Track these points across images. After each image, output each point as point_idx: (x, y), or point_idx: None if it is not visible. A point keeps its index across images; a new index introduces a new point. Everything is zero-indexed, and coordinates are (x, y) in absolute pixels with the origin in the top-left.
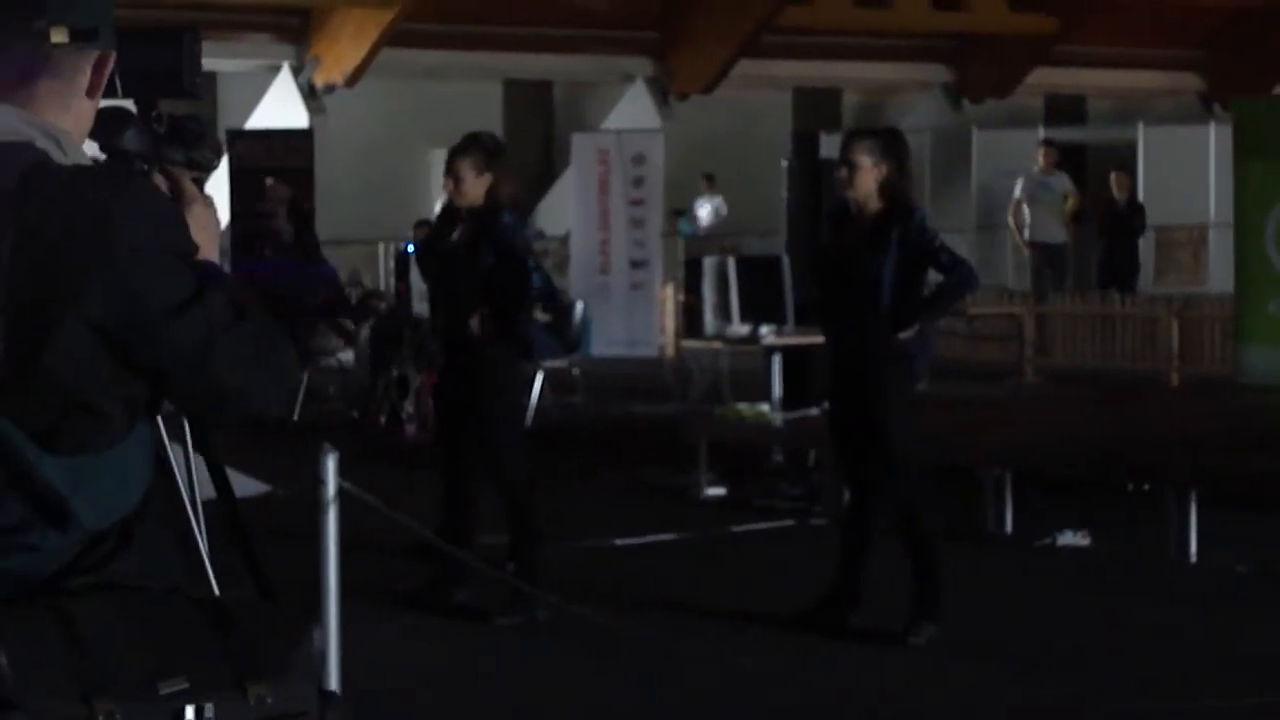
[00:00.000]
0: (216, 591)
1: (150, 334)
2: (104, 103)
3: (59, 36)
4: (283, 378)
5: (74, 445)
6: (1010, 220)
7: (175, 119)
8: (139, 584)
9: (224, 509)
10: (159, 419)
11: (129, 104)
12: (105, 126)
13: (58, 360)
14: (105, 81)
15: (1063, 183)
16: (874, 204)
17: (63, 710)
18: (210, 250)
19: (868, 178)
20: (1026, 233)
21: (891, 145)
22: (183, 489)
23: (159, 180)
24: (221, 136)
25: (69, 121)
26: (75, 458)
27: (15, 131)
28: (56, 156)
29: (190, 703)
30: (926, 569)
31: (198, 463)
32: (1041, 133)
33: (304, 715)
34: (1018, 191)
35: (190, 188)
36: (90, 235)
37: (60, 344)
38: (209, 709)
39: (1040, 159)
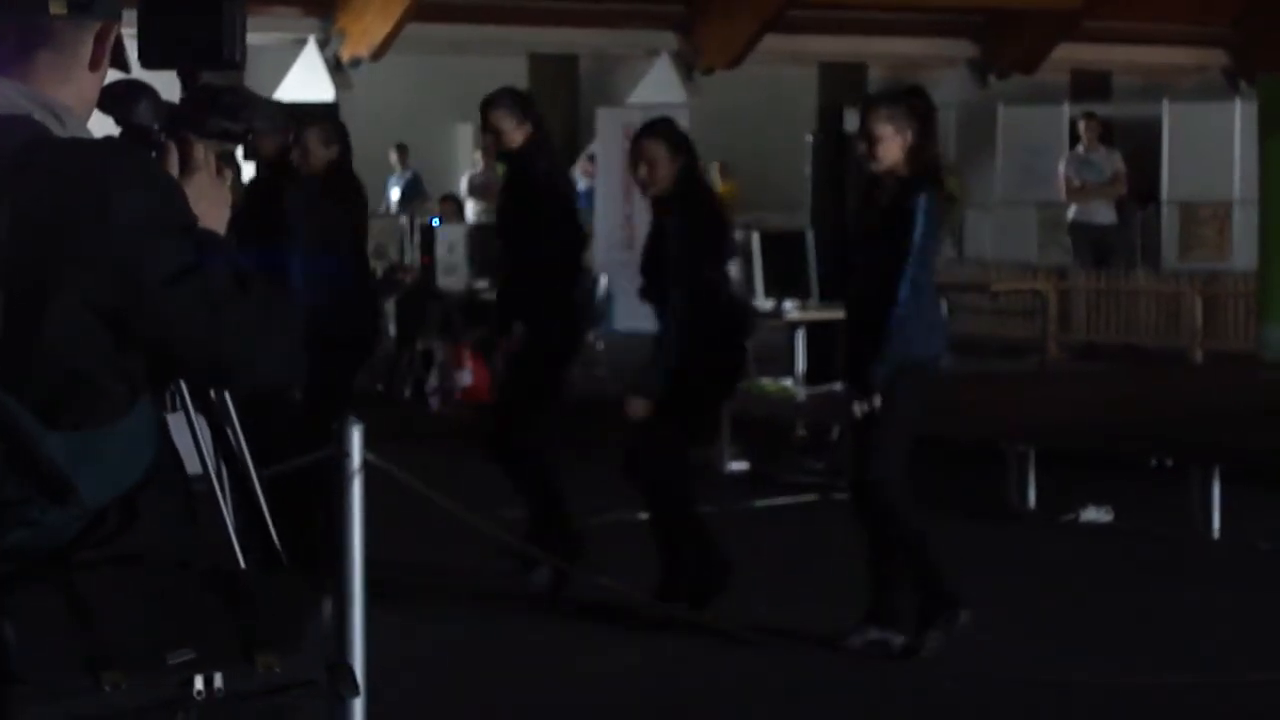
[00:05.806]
0: (242, 563)
1: (147, 306)
2: (114, 75)
3: (57, 8)
4: (288, 348)
5: (75, 421)
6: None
7: (212, 89)
8: (146, 557)
9: (236, 479)
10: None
11: (143, 77)
12: (118, 100)
13: (56, 334)
14: (108, 53)
15: (1111, 161)
16: (903, 174)
17: (68, 682)
18: (215, 220)
19: (891, 147)
20: (1071, 213)
21: (913, 108)
22: (209, 461)
23: (172, 150)
24: None
25: (70, 95)
26: (76, 433)
27: (12, 105)
28: (55, 130)
29: (198, 672)
30: (919, 571)
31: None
32: (1067, 109)
33: (312, 685)
34: (1062, 169)
35: (199, 157)
36: (85, 209)
37: (58, 318)
38: (217, 679)
39: (1083, 134)
